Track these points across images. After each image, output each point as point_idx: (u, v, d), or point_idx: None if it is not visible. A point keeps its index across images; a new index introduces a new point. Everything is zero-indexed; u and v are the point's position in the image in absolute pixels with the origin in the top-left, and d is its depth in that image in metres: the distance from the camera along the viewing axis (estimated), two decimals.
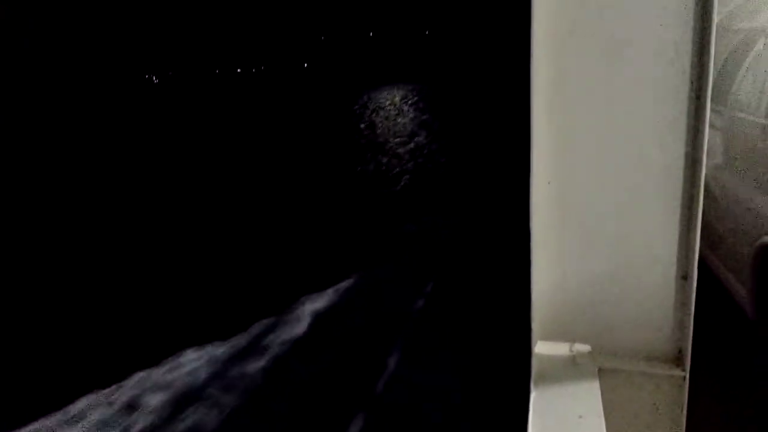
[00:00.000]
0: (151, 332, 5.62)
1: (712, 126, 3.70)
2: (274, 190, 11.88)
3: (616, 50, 1.20)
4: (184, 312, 6.00)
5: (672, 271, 1.32)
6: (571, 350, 1.41)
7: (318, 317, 5.48)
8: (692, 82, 1.18)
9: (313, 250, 7.46)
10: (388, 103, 31.00)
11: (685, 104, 1.19)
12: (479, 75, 42.42)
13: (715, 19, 1.12)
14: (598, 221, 1.31)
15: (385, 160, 13.69)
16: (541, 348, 1.42)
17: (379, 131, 18.99)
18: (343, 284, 6.10)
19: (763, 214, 2.90)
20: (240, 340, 5.17)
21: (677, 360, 1.37)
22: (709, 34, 1.15)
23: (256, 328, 5.35)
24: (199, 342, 5.24)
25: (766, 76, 3.17)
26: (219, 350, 5.09)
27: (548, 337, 1.41)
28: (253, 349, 5.10)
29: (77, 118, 35.58)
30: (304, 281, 6.19)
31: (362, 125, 21.17)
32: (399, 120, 21.35)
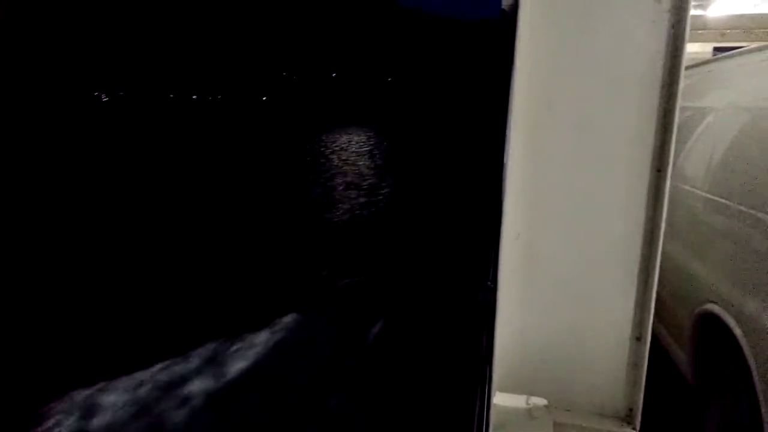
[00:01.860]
0: None
1: None
2: (217, 219, 11.69)
3: (585, 125, 1.28)
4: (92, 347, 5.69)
5: (627, 332, 1.38)
6: (528, 403, 1.45)
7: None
8: (654, 158, 1.27)
9: (242, 292, 7.24)
10: (345, 144, 31.25)
11: (647, 178, 1.27)
12: (443, 127, 43.31)
13: (678, 105, 1.21)
14: (562, 279, 1.37)
15: (335, 203, 13.68)
16: (499, 399, 1.45)
17: (333, 173, 19.03)
18: (274, 329, 5.90)
19: (702, 283, 3.05)
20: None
21: (628, 418, 1.43)
22: (673, 114, 1.24)
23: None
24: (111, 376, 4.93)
25: (710, 153, 3.38)
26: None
27: (507, 388, 1.45)
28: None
29: (19, 130, 34.39)
30: (225, 324, 5.97)
31: (314, 165, 21.23)
32: (357, 162, 21.45)
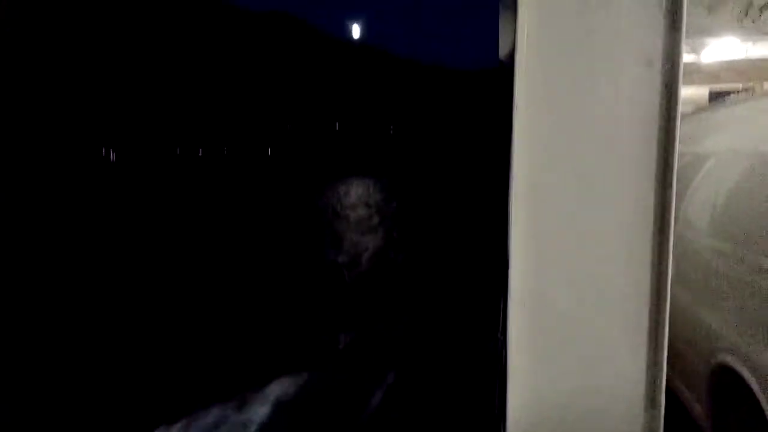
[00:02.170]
0: None
1: None
2: (227, 273, 11.66)
3: (586, 186, 1.27)
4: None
5: (640, 397, 1.34)
6: None
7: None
8: (655, 218, 1.25)
9: (248, 348, 7.14)
10: (349, 195, 31.46)
11: (650, 238, 1.26)
12: (445, 177, 43.61)
13: (676, 163, 1.21)
14: (571, 346, 1.33)
15: (340, 256, 13.66)
16: None
17: (338, 224, 19.08)
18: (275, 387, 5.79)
19: (716, 332, 2.98)
20: None
21: None
22: (671, 173, 1.23)
23: None
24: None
25: (713, 199, 3.36)
26: None
27: None
28: None
29: (28, 189, 34.83)
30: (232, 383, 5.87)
31: (321, 217, 21.32)
32: (360, 213, 21.52)
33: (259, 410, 5.28)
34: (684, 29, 1.22)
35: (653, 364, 1.32)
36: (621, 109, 1.22)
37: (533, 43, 1.24)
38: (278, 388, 5.69)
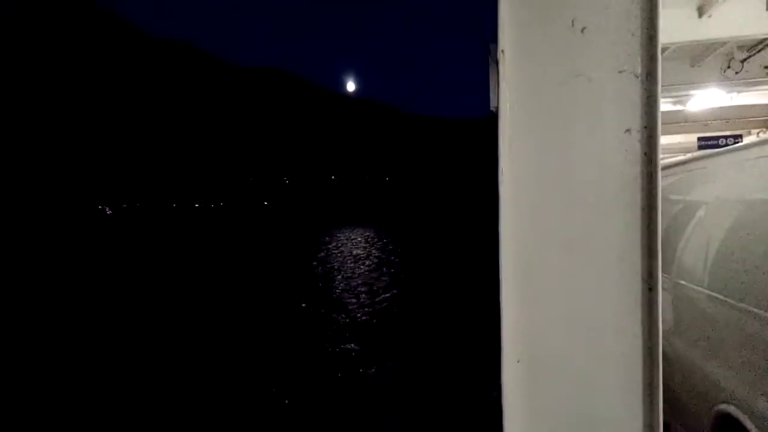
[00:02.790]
0: None
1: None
2: (225, 330, 11.59)
3: (574, 249, 1.33)
4: None
5: None
6: None
7: None
8: (643, 279, 1.30)
9: (263, 396, 7.14)
10: (348, 247, 31.43)
11: (639, 297, 1.30)
12: (438, 223, 43.70)
13: (660, 226, 1.27)
14: (566, 403, 1.36)
15: (339, 309, 13.60)
16: None
17: (337, 278, 19.01)
18: None
19: (718, 381, 2.99)
20: None
21: None
22: (656, 235, 1.29)
23: None
24: None
25: (706, 247, 3.41)
26: None
27: None
28: None
29: (23, 245, 34.73)
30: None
31: (319, 270, 21.27)
32: (359, 268, 21.43)
33: None
34: (659, 98, 1.30)
35: (649, 422, 1.34)
36: (604, 173, 1.28)
37: (516, 111, 1.32)
38: None
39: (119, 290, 17.31)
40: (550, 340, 1.35)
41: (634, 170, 1.27)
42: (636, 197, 1.28)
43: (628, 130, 1.28)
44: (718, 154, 3.93)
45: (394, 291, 15.24)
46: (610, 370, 1.33)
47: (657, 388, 1.32)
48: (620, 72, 1.30)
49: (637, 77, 1.30)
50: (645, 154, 1.26)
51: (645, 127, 1.27)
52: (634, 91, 1.30)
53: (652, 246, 1.28)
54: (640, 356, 1.32)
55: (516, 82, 1.34)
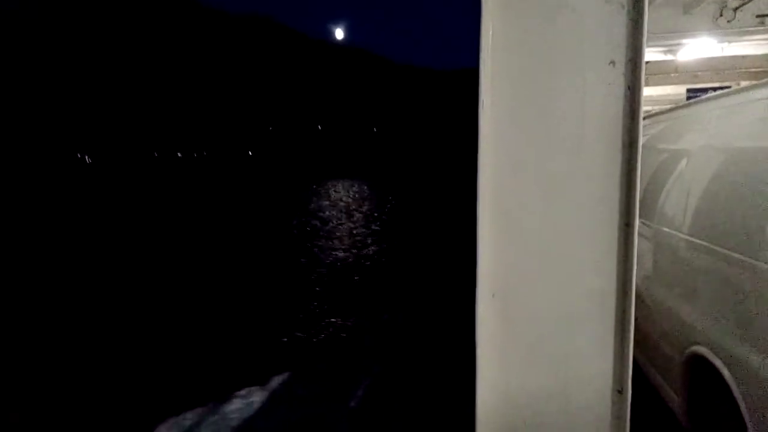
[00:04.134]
0: None
1: (641, 238, 3.95)
2: (209, 277, 11.63)
3: (553, 186, 1.32)
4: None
5: (608, 385, 1.39)
6: None
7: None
8: (621, 214, 1.30)
9: (249, 346, 7.22)
10: (333, 199, 31.37)
11: (616, 232, 1.31)
12: (428, 178, 43.56)
13: (639, 163, 1.26)
14: (540, 337, 1.38)
15: (323, 262, 13.66)
16: None
17: (323, 231, 19.01)
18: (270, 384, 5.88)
19: (691, 324, 3.06)
20: None
21: None
22: (635, 172, 1.28)
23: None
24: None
25: (688, 195, 3.44)
26: None
27: None
28: None
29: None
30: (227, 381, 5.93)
31: (302, 223, 21.25)
32: (345, 221, 21.39)
33: (244, 404, 5.33)
34: (646, 31, 1.27)
35: (620, 354, 1.37)
36: (585, 108, 1.27)
37: (498, 42, 1.29)
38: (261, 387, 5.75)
39: (99, 242, 17.22)
40: (525, 275, 1.36)
41: (616, 105, 1.26)
42: (617, 133, 1.27)
43: (612, 63, 1.25)
44: (704, 101, 3.93)
45: (383, 245, 15.32)
46: (584, 304, 1.35)
47: (629, 322, 1.35)
48: (607, 1, 1.27)
49: (624, 7, 1.26)
50: (629, 88, 1.24)
51: (630, 60, 1.24)
52: (619, 22, 1.27)
53: (631, 183, 1.27)
54: (614, 291, 1.33)
55: (498, 12, 1.30)
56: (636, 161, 1.25)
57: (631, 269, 1.31)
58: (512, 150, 1.32)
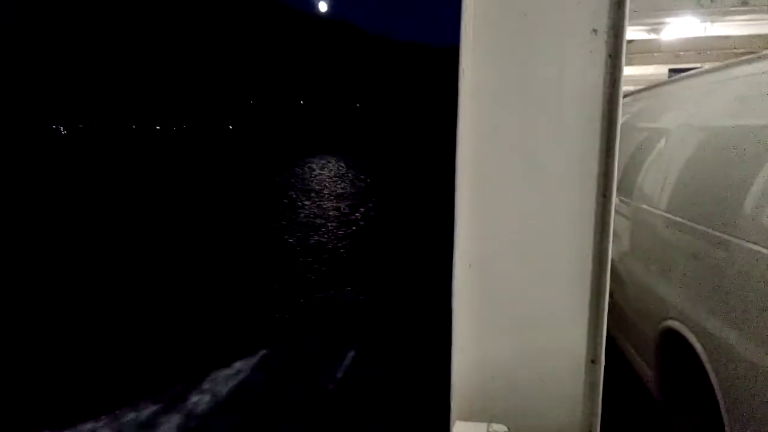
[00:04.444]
0: None
1: (620, 215, 3.99)
2: (188, 254, 11.53)
3: (530, 154, 1.31)
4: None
5: (582, 355, 1.40)
6: (488, 430, 1.45)
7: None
8: (599, 184, 1.29)
9: (226, 323, 7.21)
10: (315, 175, 31.22)
11: (593, 202, 1.30)
12: (409, 152, 43.48)
13: (619, 132, 1.25)
14: (515, 306, 1.38)
15: (309, 232, 13.63)
16: (459, 428, 1.44)
17: (305, 206, 18.91)
18: (259, 355, 5.92)
19: (665, 299, 3.10)
20: None
21: None
22: (614, 141, 1.27)
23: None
24: (106, 410, 4.89)
25: (666, 173, 3.46)
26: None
27: (466, 417, 1.44)
28: None
29: None
30: (216, 353, 5.95)
31: (283, 197, 21.13)
32: (328, 198, 21.30)
33: (223, 387, 5.32)
34: (628, 0, 1.25)
35: (594, 323, 1.38)
36: (565, 76, 1.25)
37: (480, 9, 1.26)
38: (242, 362, 5.75)
39: (75, 217, 16.97)
40: (502, 246, 1.36)
41: (597, 74, 1.24)
42: (597, 102, 1.26)
43: (594, 30, 1.24)
44: (683, 78, 3.94)
45: (361, 222, 15.31)
46: (560, 275, 1.35)
47: (604, 293, 1.35)
48: None
49: None
50: (610, 56, 1.23)
51: (611, 28, 1.23)
52: None
53: (609, 152, 1.27)
54: (589, 261, 1.34)
55: None
56: (615, 131, 1.24)
57: (607, 240, 1.31)
58: (491, 119, 1.30)
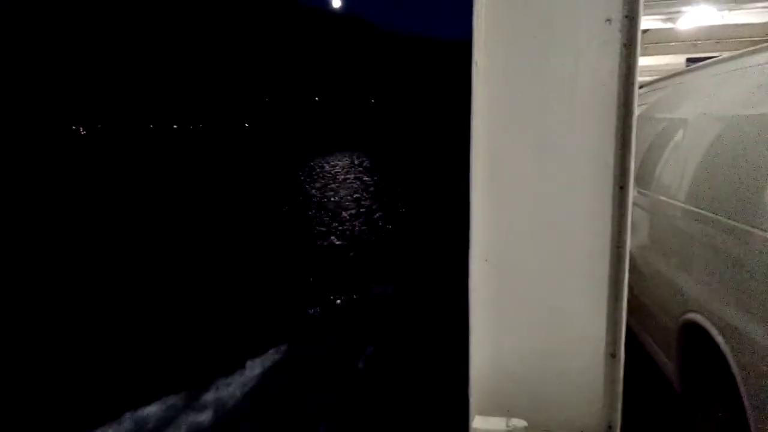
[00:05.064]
0: None
1: (639, 207, 3.95)
2: (206, 254, 11.61)
3: (545, 146, 1.29)
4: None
5: (601, 349, 1.39)
6: (507, 425, 1.44)
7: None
8: (615, 176, 1.28)
9: (246, 320, 7.25)
10: (332, 172, 31.26)
11: (610, 195, 1.28)
12: (425, 147, 43.34)
13: (635, 122, 1.23)
14: (533, 300, 1.37)
15: (323, 234, 13.65)
16: (478, 423, 1.44)
17: (322, 204, 18.93)
18: (277, 351, 5.95)
19: (686, 291, 3.06)
20: None
21: None
22: (630, 132, 1.25)
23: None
24: (135, 405, 4.94)
25: (685, 164, 3.42)
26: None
27: (485, 411, 1.44)
28: None
29: None
30: (235, 351, 5.98)
31: (300, 194, 21.18)
32: (346, 197, 21.29)
33: (241, 383, 5.35)
34: None
35: (613, 319, 1.36)
36: (580, 67, 1.23)
37: (492, 0, 1.25)
38: (259, 361, 5.78)
39: (95, 216, 17.16)
40: (518, 240, 1.35)
41: (612, 63, 1.22)
42: (613, 92, 1.24)
43: (608, 20, 1.22)
44: (701, 68, 3.88)
45: (381, 220, 15.30)
46: (578, 268, 1.34)
47: (623, 286, 1.34)
48: None
49: None
50: (624, 45, 1.21)
51: (626, 17, 1.21)
52: None
53: (626, 143, 1.25)
54: (607, 254, 1.32)
55: None
56: (631, 121, 1.22)
57: (625, 233, 1.29)
58: (505, 111, 1.29)
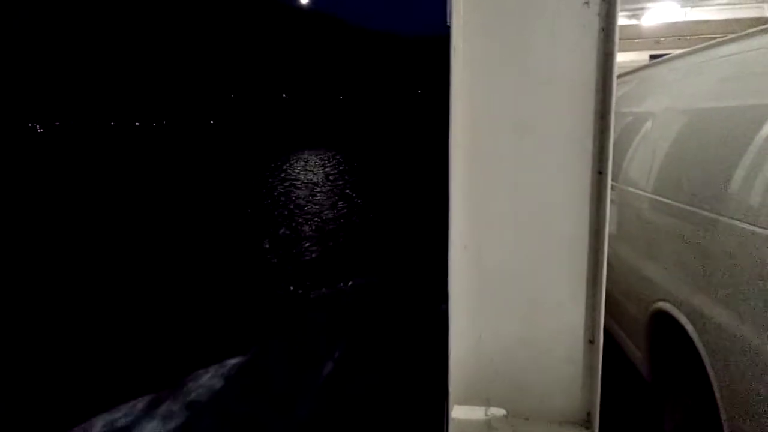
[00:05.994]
0: None
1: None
2: (170, 252, 11.40)
3: (524, 129, 1.28)
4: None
5: (580, 336, 1.38)
6: (486, 414, 1.43)
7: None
8: (594, 161, 1.27)
9: (210, 323, 7.13)
10: (302, 168, 31.06)
11: (589, 180, 1.28)
12: (395, 143, 43.44)
13: (613, 107, 1.22)
14: (512, 287, 1.36)
15: (293, 232, 13.55)
16: (457, 412, 1.42)
17: (292, 202, 18.77)
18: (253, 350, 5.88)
19: (654, 281, 3.11)
20: None
21: (587, 422, 1.42)
22: (609, 116, 1.25)
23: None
24: (100, 409, 4.82)
25: (652, 156, 3.47)
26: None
27: (464, 401, 1.42)
28: None
29: None
30: (202, 351, 5.88)
31: (272, 191, 20.98)
32: (314, 193, 21.14)
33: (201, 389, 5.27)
34: None
35: (592, 305, 1.36)
36: (559, 49, 1.22)
37: None
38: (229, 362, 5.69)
39: (51, 215, 16.72)
40: (497, 225, 1.33)
41: (590, 47, 1.21)
42: (591, 76, 1.23)
43: (586, 3, 1.21)
44: (666, 62, 3.95)
45: (352, 217, 15.25)
46: (557, 254, 1.33)
47: (601, 273, 1.34)
48: None
49: None
50: (602, 29, 1.20)
51: (604, 1, 1.20)
52: None
53: (605, 129, 1.24)
54: (586, 238, 1.32)
55: None
56: (609, 106, 1.22)
57: (603, 218, 1.29)
58: (484, 96, 1.27)
